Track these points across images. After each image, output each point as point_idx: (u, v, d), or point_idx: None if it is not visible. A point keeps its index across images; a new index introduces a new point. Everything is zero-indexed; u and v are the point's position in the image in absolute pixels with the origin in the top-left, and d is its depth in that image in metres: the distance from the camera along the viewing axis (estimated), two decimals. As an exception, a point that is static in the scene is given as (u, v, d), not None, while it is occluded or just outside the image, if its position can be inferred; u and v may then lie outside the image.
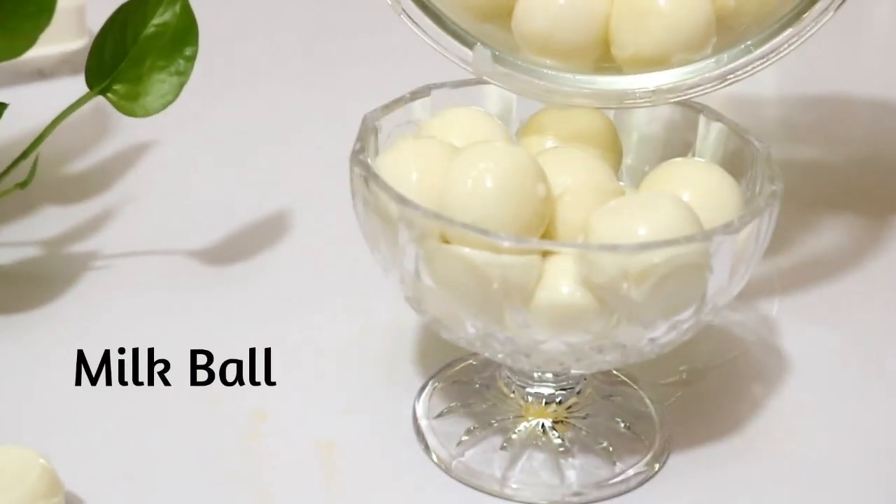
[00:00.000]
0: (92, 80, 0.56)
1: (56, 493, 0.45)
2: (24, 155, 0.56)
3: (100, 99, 0.57)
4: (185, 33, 0.56)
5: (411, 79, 0.52)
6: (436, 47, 0.51)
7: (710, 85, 0.50)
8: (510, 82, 0.50)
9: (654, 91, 0.50)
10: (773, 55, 0.50)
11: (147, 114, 0.56)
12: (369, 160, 0.47)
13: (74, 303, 0.57)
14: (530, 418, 0.50)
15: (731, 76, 0.50)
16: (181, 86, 0.56)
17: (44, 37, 0.59)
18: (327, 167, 0.61)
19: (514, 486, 0.49)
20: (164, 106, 0.56)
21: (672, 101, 0.51)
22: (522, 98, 0.51)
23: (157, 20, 0.56)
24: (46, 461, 0.46)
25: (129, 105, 0.56)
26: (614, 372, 0.54)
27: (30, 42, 0.58)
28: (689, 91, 0.50)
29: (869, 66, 0.83)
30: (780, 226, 0.48)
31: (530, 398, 0.50)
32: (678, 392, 0.54)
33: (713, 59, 0.50)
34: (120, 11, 0.56)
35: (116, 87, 0.56)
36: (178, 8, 0.56)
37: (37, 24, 0.58)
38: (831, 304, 0.60)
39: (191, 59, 0.56)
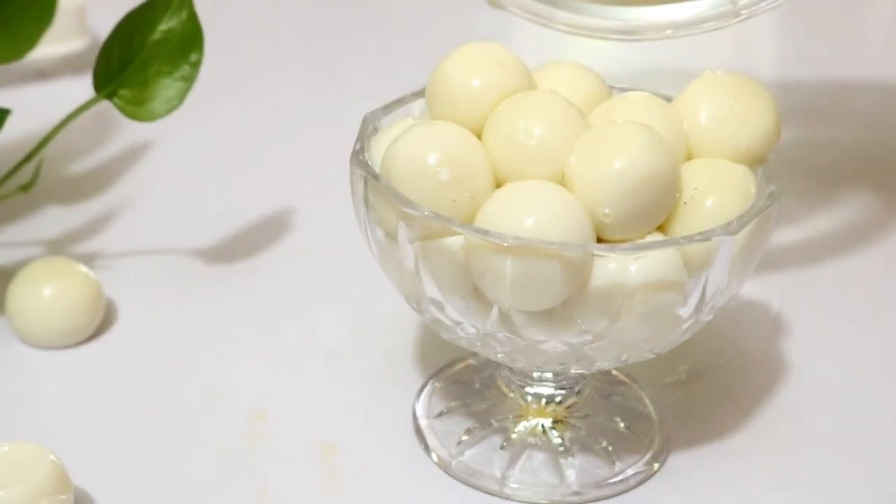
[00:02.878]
0: (99, 85, 0.56)
1: (65, 490, 0.46)
2: (28, 158, 0.56)
3: (102, 100, 0.57)
4: (190, 40, 0.56)
5: (411, 79, 0.52)
6: None
7: (724, 20, 0.52)
8: (529, 13, 0.51)
9: (672, 23, 0.52)
10: None
11: (153, 118, 0.57)
12: (369, 160, 0.47)
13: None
14: (530, 418, 0.50)
15: (745, 11, 0.52)
16: (186, 91, 0.57)
17: (44, 38, 0.59)
18: (327, 167, 0.61)
19: (513, 485, 0.49)
20: (170, 111, 0.57)
21: (687, 35, 0.52)
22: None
23: (163, 26, 0.56)
24: (56, 457, 0.46)
25: (135, 109, 0.57)
26: (614, 372, 0.54)
27: (31, 44, 0.59)
28: (705, 24, 0.51)
29: (871, 55, 0.83)
30: (780, 223, 0.48)
31: (530, 398, 0.50)
32: (678, 392, 0.54)
33: None
34: (128, 17, 0.56)
35: (123, 91, 0.56)
36: (184, 15, 0.56)
37: (38, 26, 0.58)
38: (831, 302, 0.60)
39: (196, 65, 0.57)
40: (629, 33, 0.52)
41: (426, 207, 0.44)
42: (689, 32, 0.52)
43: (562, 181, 0.44)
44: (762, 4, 0.52)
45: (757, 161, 0.47)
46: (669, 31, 0.52)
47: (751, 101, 0.47)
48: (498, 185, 0.45)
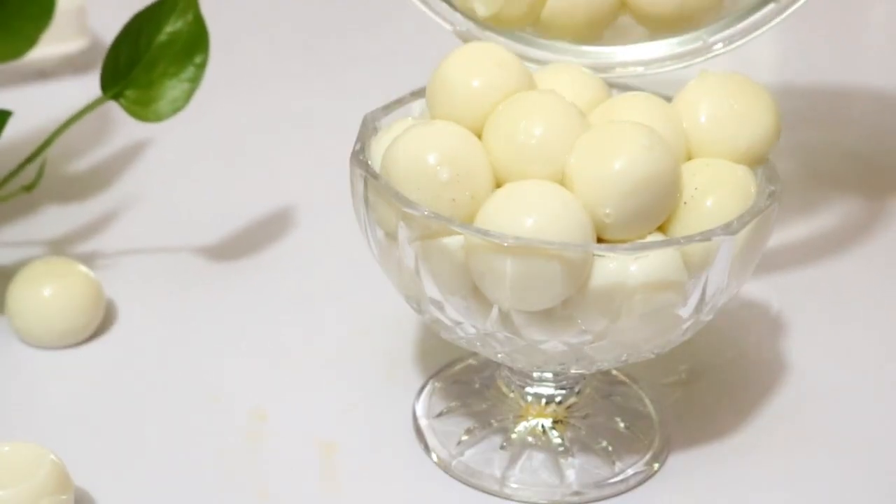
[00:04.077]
0: (106, 85, 0.57)
1: (65, 490, 0.46)
2: (31, 158, 0.56)
3: (108, 100, 0.57)
4: (196, 41, 0.57)
5: (411, 79, 0.52)
6: (422, 7, 0.53)
7: (696, 56, 0.53)
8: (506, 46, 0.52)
9: (643, 62, 0.53)
10: (754, 29, 0.53)
11: (158, 119, 0.57)
12: (369, 160, 0.47)
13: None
14: (530, 418, 0.50)
15: (716, 48, 0.52)
16: (192, 92, 0.57)
17: (45, 38, 0.59)
18: (327, 167, 0.61)
19: (513, 485, 0.49)
20: (175, 111, 0.57)
21: (658, 72, 0.53)
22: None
23: (169, 28, 0.56)
24: (56, 457, 0.46)
25: (141, 110, 0.57)
26: (614, 372, 0.54)
27: (31, 43, 0.59)
28: (677, 61, 0.52)
29: (867, 60, 0.83)
30: (780, 223, 0.48)
31: (530, 398, 0.50)
32: (678, 392, 0.54)
33: (698, 32, 0.53)
34: (135, 19, 0.57)
35: (129, 92, 0.57)
36: (190, 17, 0.56)
37: (37, 25, 0.58)
38: (831, 303, 0.60)
39: (201, 67, 0.57)
40: (601, 70, 0.52)
41: (426, 207, 0.44)
42: (659, 69, 0.53)
43: (562, 181, 0.44)
44: (734, 39, 0.53)
45: (757, 161, 0.47)
46: (641, 69, 0.53)
47: (750, 100, 0.47)
48: (498, 186, 0.45)
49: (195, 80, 0.57)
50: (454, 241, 0.43)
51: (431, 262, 0.44)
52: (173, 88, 0.57)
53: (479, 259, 0.43)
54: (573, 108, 0.45)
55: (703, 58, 0.53)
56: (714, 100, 0.47)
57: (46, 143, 0.56)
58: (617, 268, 0.43)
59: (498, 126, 0.45)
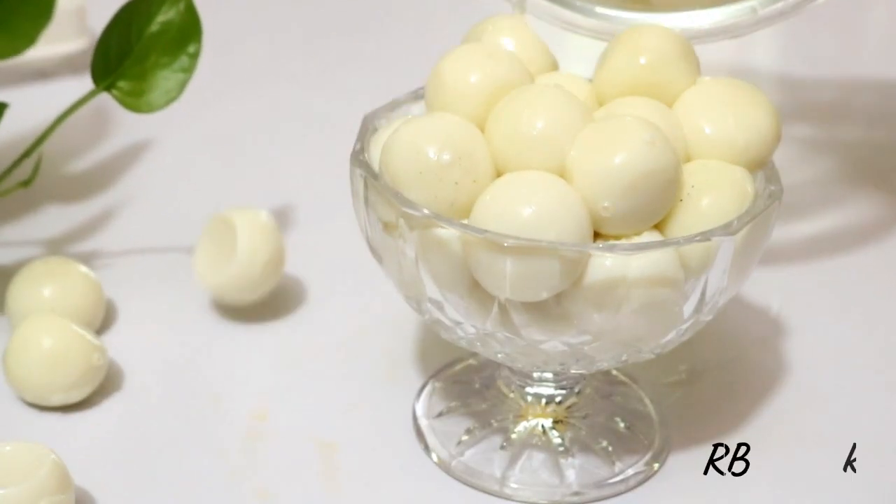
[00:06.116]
0: (97, 77, 0.56)
1: (65, 490, 0.46)
2: (27, 153, 0.56)
3: (101, 98, 0.57)
4: (188, 31, 0.56)
5: (411, 79, 0.52)
6: None
7: (745, 28, 0.53)
8: (549, 16, 0.52)
9: (690, 31, 0.52)
10: (805, 4, 0.53)
11: (151, 110, 0.57)
12: (369, 160, 0.47)
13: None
14: (530, 418, 0.50)
15: (765, 21, 0.52)
16: (185, 82, 0.57)
17: (44, 37, 0.59)
18: (327, 167, 0.61)
19: (513, 485, 0.49)
20: (168, 102, 0.57)
21: (707, 41, 0.52)
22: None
23: (161, 17, 0.56)
24: (56, 457, 0.46)
25: (134, 101, 0.56)
26: (614, 372, 0.54)
27: (30, 41, 0.59)
28: (724, 33, 0.51)
29: (871, 54, 0.83)
30: (781, 224, 0.48)
31: (530, 398, 0.50)
32: (678, 392, 0.54)
33: (749, 4, 0.53)
34: (125, 9, 0.56)
35: (121, 83, 0.56)
36: (181, 6, 0.56)
37: (37, 23, 0.58)
38: (831, 303, 0.60)
39: (194, 56, 0.57)
40: None
41: (428, 199, 0.43)
42: (707, 40, 0.52)
43: (563, 174, 0.44)
44: (785, 12, 0.52)
45: (758, 165, 0.47)
46: (705, 37, 0.52)
47: (750, 107, 0.47)
48: (499, 177, 0.45)
49: (189, 70, 0.56)
50: (452, 235, 0.43)
51: (430, 257, 0.44)
52: (167, 79, 0.56)
53: (478, 254, 0.43)
54: (577, 102, 0.45)
55: (752, 29, 0.52)
56: (713, 106, 0.47)
57: (42, 138, 0.56)
58: (614, 263, 0.43)
59: (501, 117, 0.45)
